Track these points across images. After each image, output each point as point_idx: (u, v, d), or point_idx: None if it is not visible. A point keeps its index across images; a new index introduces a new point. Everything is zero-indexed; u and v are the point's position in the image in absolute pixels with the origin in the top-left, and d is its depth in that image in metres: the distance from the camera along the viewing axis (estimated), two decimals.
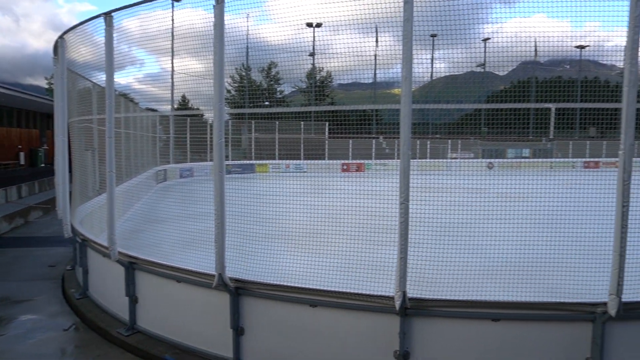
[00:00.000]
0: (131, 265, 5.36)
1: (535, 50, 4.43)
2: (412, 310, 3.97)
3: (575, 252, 4.18)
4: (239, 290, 4.52)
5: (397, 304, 3.87)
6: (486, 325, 3.98)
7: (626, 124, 3.56)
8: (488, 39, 4.35)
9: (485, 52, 4.39)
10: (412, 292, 3.98)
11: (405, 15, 3.65)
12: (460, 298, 3.98)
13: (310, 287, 4.23)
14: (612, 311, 3.71)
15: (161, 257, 5.14)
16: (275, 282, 4.39)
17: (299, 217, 4.94)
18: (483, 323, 3.98)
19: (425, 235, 4.31)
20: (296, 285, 4.30)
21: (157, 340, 5.14)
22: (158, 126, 18.13)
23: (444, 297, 4.00)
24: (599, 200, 4.33)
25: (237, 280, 4.50)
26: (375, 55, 4.66)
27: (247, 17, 5.43)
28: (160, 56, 6.35)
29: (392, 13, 3.94)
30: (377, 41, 4.61)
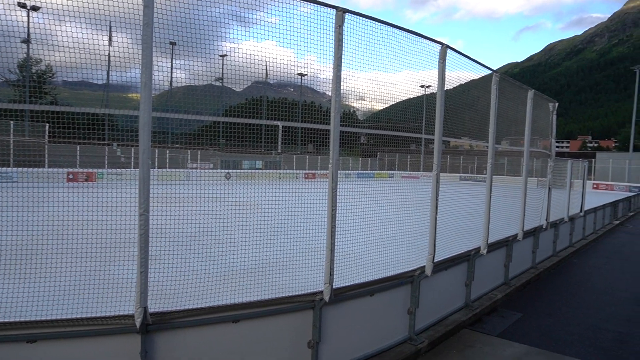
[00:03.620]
0: None
1: (266, 72, 4.96)
2: (154, 325, 3.82)
3: (299, 252, 4.87)
4: None
5: (138, 321, 3.65)
6: (227, 328, 4.19)
7: (333, 143, 4.41)
8: (225, 55, 4.60)
9: (223, 67, 4.61)
10: (154, 307, 3.83)
11: (145, 19, 3.53)
12: (202, 305, 4.06)
13: (27, 319, 3.53)
14: (327, 297, 4.49)
15: None
16: None
17: (8, 236, 4.06)
18: (225, 326, 4.18)
19: (166, 247, 4.22)
20: (5, 320, 3.51)
21: None
22: None
23: (186, 307, 4.00)
24: (315, 206, 5.17)
25: None
26: (109, 55, 4.29)
27: None
28: None
29: (127, 12, 3.73)
30: (110, 40, 4.26)
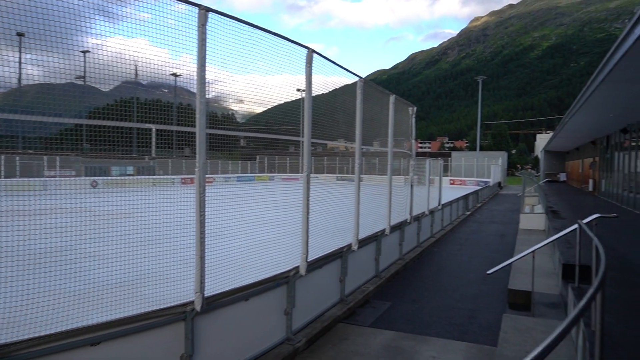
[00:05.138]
0: None
1: (136, 72, 4.61)
2: None
3: (172, 261, 4.61)
4: None
5: None
6: (85, 353, 3.77)
7: (199, 146, 4.26)
8: (88, 51, 4.19)
9: (85, 64, 4.19)
10: None
11: None
12: (53, 331, 3.61)
13: None
14: (198, 307, 4.33)
15: None
16: None
17: None
18: (81, 351, 3.75)
19: (13, 267, 3.65)
20: None
21: None
22: None
23: (30, 336, 3.51)
24: (191, 212, 4.94)
25: None
26: None
27: None
28: None
29: None
30: None
